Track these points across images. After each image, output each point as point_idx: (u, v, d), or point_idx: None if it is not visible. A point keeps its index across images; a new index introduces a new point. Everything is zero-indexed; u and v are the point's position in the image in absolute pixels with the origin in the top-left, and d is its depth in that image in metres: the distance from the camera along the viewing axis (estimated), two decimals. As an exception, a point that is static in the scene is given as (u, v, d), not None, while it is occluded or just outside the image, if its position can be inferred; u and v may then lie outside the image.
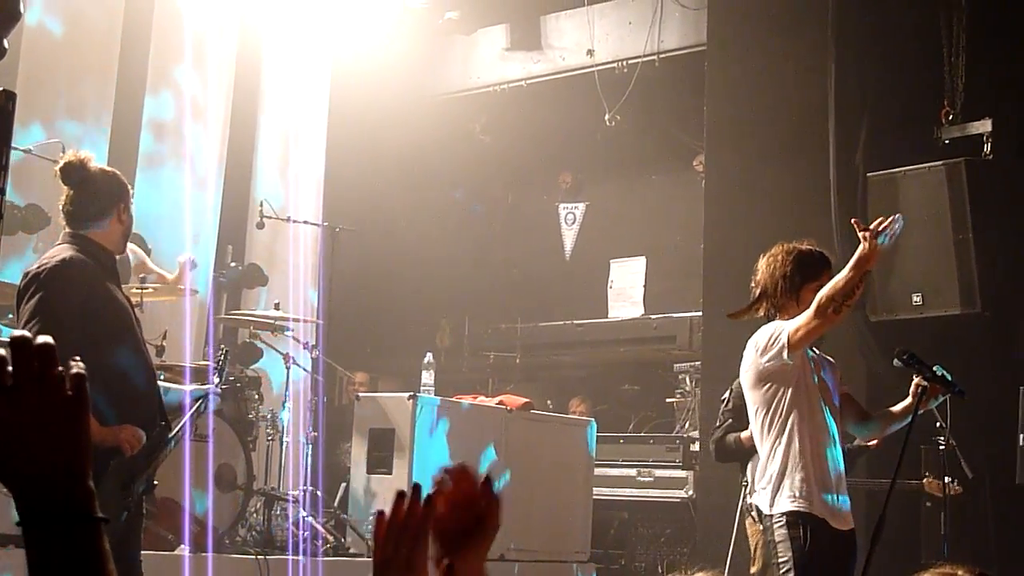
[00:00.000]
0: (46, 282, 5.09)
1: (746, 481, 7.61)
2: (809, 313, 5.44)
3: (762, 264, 5.84)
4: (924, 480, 7.99)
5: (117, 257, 5.54)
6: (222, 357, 6.69)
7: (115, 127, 9.79)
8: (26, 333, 1.57)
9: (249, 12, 10.98)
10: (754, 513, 7.38)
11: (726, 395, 7.79)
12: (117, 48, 9.90)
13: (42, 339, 1.56)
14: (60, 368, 1.57)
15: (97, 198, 5.35)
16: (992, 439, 8.76)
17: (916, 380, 5.65)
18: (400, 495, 2.04)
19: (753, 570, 7.67)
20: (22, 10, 3.33)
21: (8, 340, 1.58)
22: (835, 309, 5.41)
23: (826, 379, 5.83)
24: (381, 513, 2.03)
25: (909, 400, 5.70)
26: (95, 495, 1.60)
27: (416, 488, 2.05)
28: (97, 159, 5.56)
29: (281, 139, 11.24)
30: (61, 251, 5.28)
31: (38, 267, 5.21)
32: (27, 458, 1.55)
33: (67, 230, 5.39)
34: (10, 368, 1.54)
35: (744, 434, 7.28)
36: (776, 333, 5.57)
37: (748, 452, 7.16)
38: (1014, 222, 9.03)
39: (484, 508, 2.17)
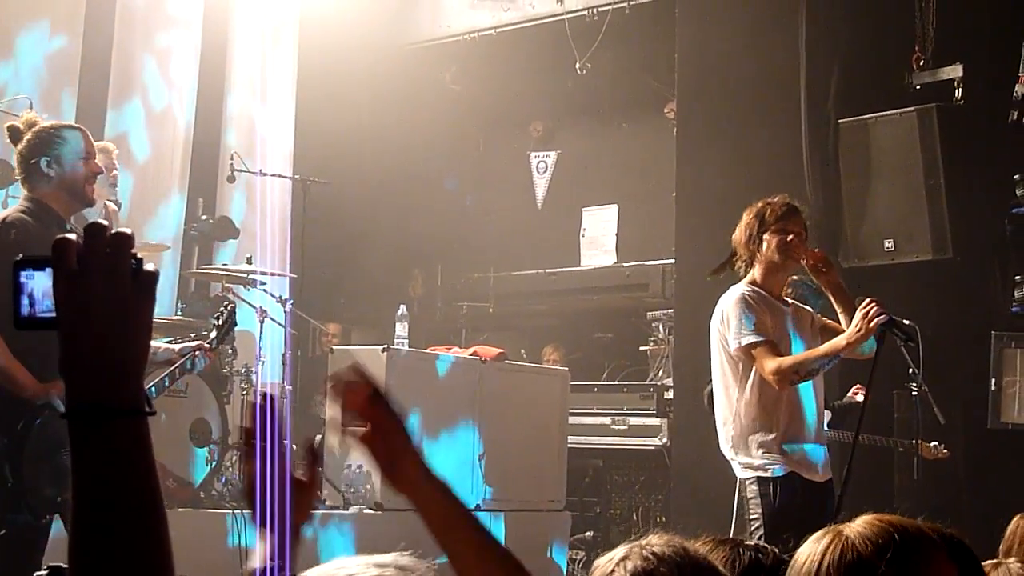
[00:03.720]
0: None
1: None
2: (771, 371, 5.56)
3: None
4: (918, 442, 8.05)
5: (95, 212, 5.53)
6: (226, 314, 6.43)
7: (83, 82, 9.70)
8: (102, 221, 1.57)
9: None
10: None
11: None
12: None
13: (120, 229, 1.56)
14: (133, 261, 1.56)
15: (23, 158, 5.39)
16: (964, 384, 8.81)
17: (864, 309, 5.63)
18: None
19: None
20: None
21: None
22: (792, 381, 5.66)
23: (799, 330, 5.87)
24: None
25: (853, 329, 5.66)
26: (143, 390, 1.59)
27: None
28: (57, 118, 5.57)
29: (250, 91, 11.16)
30: (7, 213, 5.42)
31: None
32: (86, 347, 1.54)
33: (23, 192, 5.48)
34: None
35: None
36: (744, 340, 5.66)
37: None
38: (985, 167, 9.05)
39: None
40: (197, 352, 5.89)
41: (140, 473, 1.55)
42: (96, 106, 9.77)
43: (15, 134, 5.45)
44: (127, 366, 1.56)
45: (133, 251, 1.57)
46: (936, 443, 8.13)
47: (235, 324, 6.40)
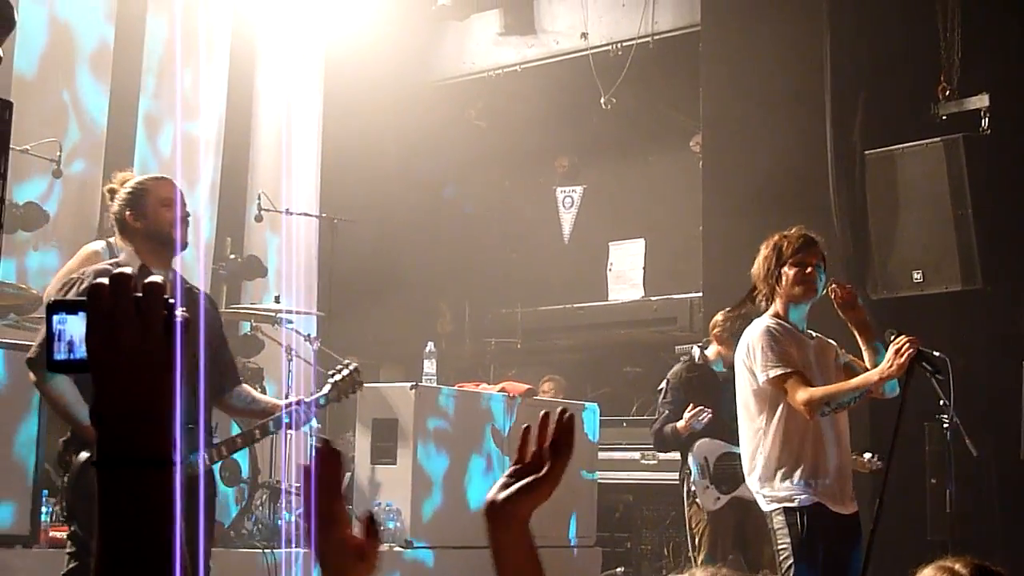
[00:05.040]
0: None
1: (688, 469, 7.84)
2: (802, 401, 5.56)
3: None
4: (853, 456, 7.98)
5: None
6: (348, 373, 5.73)
7: (111, 122, 9.76)
8: (126, 270, 1.57)
9: (242, 2, 10.94)
10: (699, 500, 7.66)
11: (663, 386, 8.09)
12: (111, 41, 9.86)
13: (152, 278, 1.56)
14: (165, 310, 1.56)
15: (116, 215, 5.50)
16: (996, 415, 8.75)
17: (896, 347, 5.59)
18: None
19: (700, 558, 7.69)
20: (16, 17, 3.34)
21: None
22: (823, 413, 5.64)
23: (822, 364, 5.84)
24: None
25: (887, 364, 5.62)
26: (171, 439, 1.58)
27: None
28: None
29: (276, 130, 11.20)
30: (90, 267, 5.57)
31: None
32: (116, 395, 1.54)
33: None
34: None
35: (680, 424, 7.86)
36: (772, 372, 5.64)
37: (685, 442, 7.88)
38: (1013, 196, 9.01)
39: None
40: (297, 407, 5.58)
41: (163, 522, 1.55)
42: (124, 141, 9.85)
43: (111, 194, 5.55)
44: (156, 415, 1.56)
45: (165, 297, 1.57)
46: (870, 455, 8.00)
47: (358, 389, 5.97)
